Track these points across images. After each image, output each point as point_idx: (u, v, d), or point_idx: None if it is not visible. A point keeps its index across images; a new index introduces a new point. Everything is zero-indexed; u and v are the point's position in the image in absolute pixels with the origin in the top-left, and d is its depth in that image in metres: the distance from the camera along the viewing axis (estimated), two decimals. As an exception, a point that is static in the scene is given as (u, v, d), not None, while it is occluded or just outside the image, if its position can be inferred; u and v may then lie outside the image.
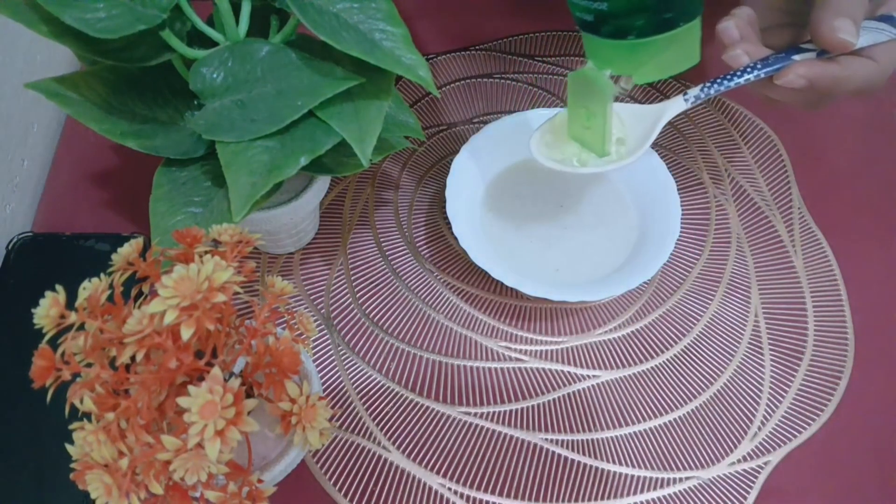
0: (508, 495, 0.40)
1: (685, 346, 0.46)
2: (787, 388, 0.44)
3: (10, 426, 0.40)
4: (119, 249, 0.29)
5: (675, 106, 0.40)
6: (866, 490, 0.41)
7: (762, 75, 0.38)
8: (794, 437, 0.43)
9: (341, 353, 0.45)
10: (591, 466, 0.42)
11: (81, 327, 0.27)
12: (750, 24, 0.40)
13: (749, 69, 0.38)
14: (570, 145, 0.41)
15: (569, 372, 0.45)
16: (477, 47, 0.60)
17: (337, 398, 0.43)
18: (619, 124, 0.41)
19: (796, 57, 0.37)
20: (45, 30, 0.33)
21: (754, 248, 0.50)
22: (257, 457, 0.35)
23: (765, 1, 0.42)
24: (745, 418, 0.43)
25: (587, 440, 0.42)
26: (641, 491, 0.41)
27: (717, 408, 0.44)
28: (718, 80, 0.39)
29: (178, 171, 0.38)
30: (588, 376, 0.45)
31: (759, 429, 0.43)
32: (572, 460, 0.42)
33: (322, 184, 0.43)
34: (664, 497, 0.41)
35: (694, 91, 0.40)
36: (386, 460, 0.41)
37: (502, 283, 0.44)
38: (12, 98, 0.48)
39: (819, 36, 0.36)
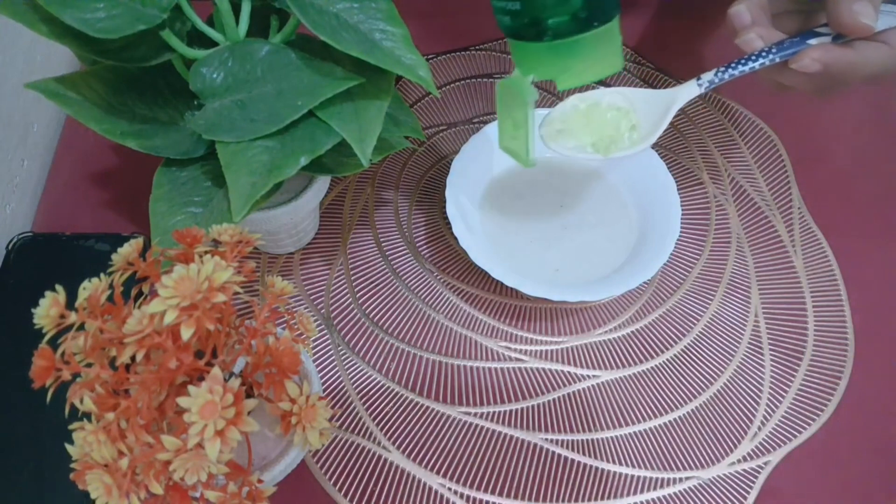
0: (508, 495, 0.40)
1: (685, 346, 0.46)
2: (787, 388, 0.44)
3: (10, 426, 0.40)
4: (119, 249, 0.29)
5: (689, 90, 0.39)
6: (866, 490, 0.41)
7: (777, 59, 0.37)
8: (794, 437, 0.43)
9: (341, 353, 0.45)
10: (591, 466, 0.41)
11: (81, 327, 0.27)
12: (762, 8, 0.39)
13: (763, 53, 0.38)
14: (583, 132, 0.40)
15: (569, 372, 0.45)
16: (477, 47, 0.60)
17: (337, 398, 0.43)
18: (631, 111, 0.40)
19: (811, 41, 0.37)
20: (45, 30, 0.33)
21: (754, 248, 0.50)
22: (257, 457, 0.35)
23: None
24: (745, 418, 0.43)
25: (587, 440, 0.42)
26: (641, 491, 0.41)
27: (717, 408, 0.44)
28: (732, 65, 0.39)
29: (178, 171, 0.38)
30: (588, 376, 0.45)
31: (759, 429, 0.43)
32: (572, 460, 0.42)
33: (322, 184, 0.43)
34: (664, 497, 0.41)
35: (708, 76, 0.39)
36: (386, 460, 0.41)
37: (502, 283, 0.44)
38: (12, 98, 0.48)
39: (838, 20, 0.36)
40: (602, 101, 0.40)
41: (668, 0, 0.63)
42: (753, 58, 0.38)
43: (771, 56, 0.37)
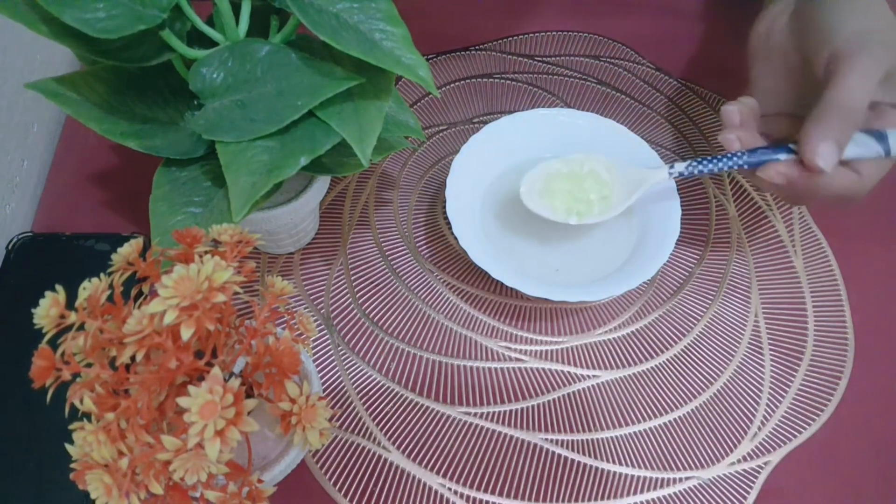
0: (508, 495, 0.40)
1: (685, 346, 0.46)
2: (787, 388, 0.44)
3: (10, 426, 0.40)
4: (119, 249, 0.29)
5: (659, 175, 0.44)
6: (866, 490, 0.41)
7: (745, 167, 0.40)
8: (794, 437, 0.43)
9: (341, 353, 0.45)
10: (591, 466, 0.41)
11: (81, 327, 0.27)
12: (752, 113, 0.42)
13: (736, 156, 0.41)
14: (558, 196, 0.44)
15: (569, 372, 0.45)
16: (477, 47, 0.60)
17: (337, 398, 0.43)
18: (608, 182, 0.44)
19: (781, 156, 0.39)
20: (45, 30, 0.33)
21: (754, 248, 0.50)
22: (257, 457, 0.35)
23: (772, 87, 0.43)
24: (745, 418, 0.43)
25: (587, 440, 0.42)
26: (641, 491, 0.41)
27: (717, 408, 0.44)
28: (705, 161, 0.42)
29: (178, 171, 0.38)
30: (588, 376, 0.45)
31: (759, 429, 0.43)
32: (572, 460, 0.42)
33: (322, 184, 0.43)
34: (664, 497, 0.41)
35: (680, 167, 0.43)
36: (386, 460, 0.41)
37: (502, 283, 0.44)
38: (12, 98, 0.48)
39: (802, 152, 0.38)
40: (584, 167, 0.45)
41: None
42: (727, 158, 0.41)
43: (741, 161, 0.40)
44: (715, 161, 0.42)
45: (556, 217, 0.44)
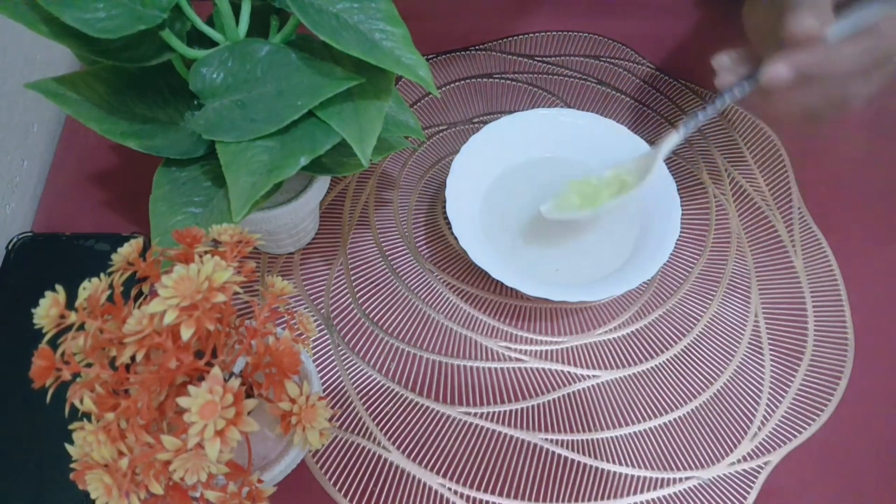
0: (508, 495, 0.40)
1: (685, 346, 0.46)
2: (787, 388, 0.44)
3: (10, 426, 0.40)
4: (119, 249, 0.29)
5: (671, 141, 0.44)
6: (866, 490, 0.41)
7: (746, 87, 0.40)
8: (794, 437, 0.43)
9: (341, 353, 0.45)
10: (591, 466, 0.41)
11: (81, 327, 0.27)
12: (743, 58, 0.41)
13: (733, 88, 0.40)
14: (574, 201, 0.45)
15: (569, 372, 0.45)
16: (477, 47, 0.60)
17: (337, 398, 0.43)
18: (625, 173, 0.45)
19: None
20: (45, 30, 0.33)
21: (754, 248, 0.50)
22: (257, 457, 0.35)
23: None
24: (745, 418, 0.43)
25: (587, 440, 0.42)
26: (641, 491, 0.41)
27: (717, 408, 0.44)
28: (709, 105, 0.42)
29: (178, 171, 0.38)
30: (588, 376, 0.45)
31: (759, 429, 0.43)
32: (572, 460, 0.42)
33: (322, 184, 0.43)
34: (664, 497, 0.41)
35: (684, 120, 0.43)
36: (386, 460, 0.41)
37: (502, 283, 0.44)
38: (12, 98, 0.48)
39: (789, 35, 0.36)
40: (595, 177, 0.46)
41: None
42: (725, 93, 0.41)
43: (738, 88, 0.40)
44: (716, 101, 0.41)
45: (580, 214, 0.44)
